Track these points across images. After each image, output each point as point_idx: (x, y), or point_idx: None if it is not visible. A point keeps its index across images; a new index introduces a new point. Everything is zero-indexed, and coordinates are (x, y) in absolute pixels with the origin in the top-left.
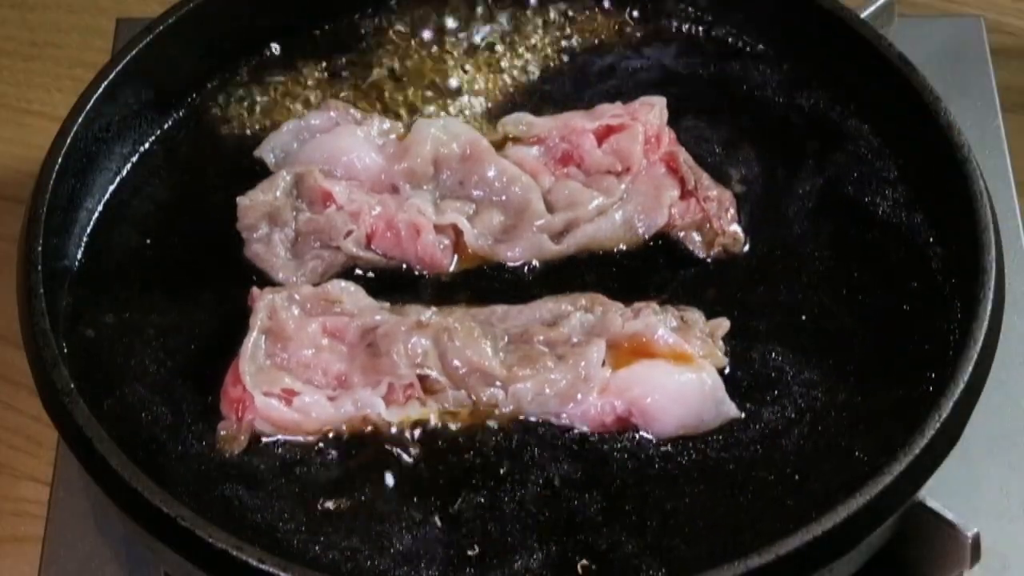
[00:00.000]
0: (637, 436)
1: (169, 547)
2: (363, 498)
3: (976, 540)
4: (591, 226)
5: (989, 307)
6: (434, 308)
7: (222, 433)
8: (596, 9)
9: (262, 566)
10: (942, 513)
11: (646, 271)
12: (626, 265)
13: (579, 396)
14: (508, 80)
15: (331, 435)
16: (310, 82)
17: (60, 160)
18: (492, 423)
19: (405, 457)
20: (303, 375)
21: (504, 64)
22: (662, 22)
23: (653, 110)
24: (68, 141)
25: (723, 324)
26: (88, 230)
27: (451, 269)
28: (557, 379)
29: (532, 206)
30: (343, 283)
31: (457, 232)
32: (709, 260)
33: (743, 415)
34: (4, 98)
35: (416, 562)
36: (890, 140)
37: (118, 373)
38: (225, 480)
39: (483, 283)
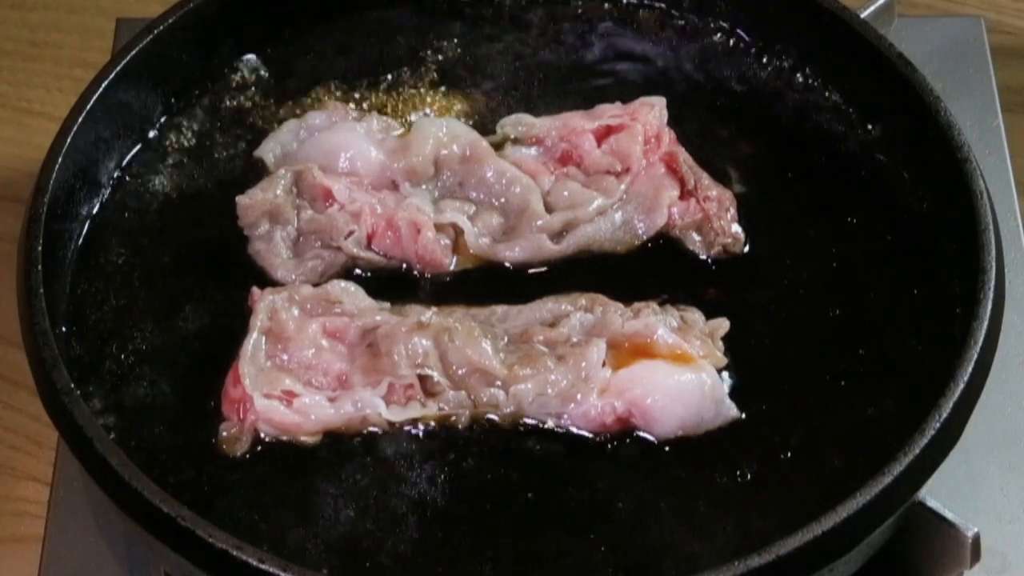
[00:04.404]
0: (637, 437)
1: (169, 547)
2: (364, 499)
3: (976, 540)
4: (591, 226)
5: (989, 307)
6: (434, 308)
7: (224, 434)
8: (596, 9)
9: (262, 566)
10: (942, 513)
11: (646, 271)
12: (626, 265)
13: (579, 396)
14: (506, 80)
15: (332, 436)
16: (310, 82)
17: (60, 160)
18: (493, 424)
19: (406, 458)
20: (303, 376)
21: (502, 64)
22: (661, 22)
23: (653, 110)
24: (68, 141)
25: (723, 324)
26: (88, 230)
27: (451, 268)
28: (558, 379)
29: (532, 206)
30: (343, 283)
31: (457, 232)
32: (709, 260)
33: (743, 415)
34: (4, 98)
35: (417, 562)
36: (890, 140)
37: (118, 372)
38: (226, 480)
39: (483, 283)
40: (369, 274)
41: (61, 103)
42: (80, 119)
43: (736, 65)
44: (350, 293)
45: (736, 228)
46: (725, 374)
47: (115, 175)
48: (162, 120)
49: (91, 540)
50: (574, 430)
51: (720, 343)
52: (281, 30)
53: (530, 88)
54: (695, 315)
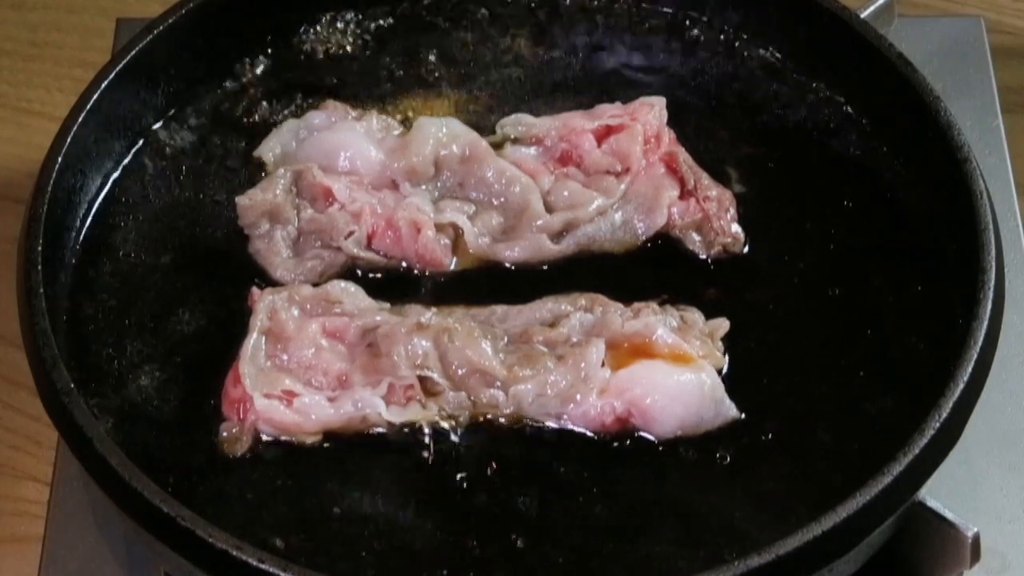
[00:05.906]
0: (637, 437)
1: (169, 547)
2: (363, 499)
3: (976, 540)
4: (591, 226)
5: (989, 307)
6: (434, 309)
7: (224, 434)
8: (595, 9)
9: (262, 566)
10: (942, 513)
11: (646, 271)
12: (626, 265)
13: (579, 397)
14: (506, 80)
15: (332, 436)
16: (310, 82)
17: (60, 160)
18: (492, 424)
19: (406, 458)
20: (303, 376)
21: (502, 64)
22: (661, 22)
23: (653, 110)
24: (68, 141)
25: (723, 324)
26: (88, 230)
27: (451, 268)
28: (558, 379)
29: (531, 206)
30: (343, 284)
31: (457, 231)
32: (709, 260)
33: (743, 415)
34: (4, 98)
35: (416, 563)
36: (890, 140)
37: (118, 372)
38: (226, 480)
39: (483, 283)
40: (369, 274)
41: (61, 103)
42: (80, 119)
43: (736, 65)
44: (350, 293)
45: (736, 228)
46: (725, 374)
47: (115, 175)
48: (162, 120)
49: (91, 540)
50: (574, 430)
51: (720, 343)
52: (281, 30)
53: (530, 88)
54: (695, 315)
